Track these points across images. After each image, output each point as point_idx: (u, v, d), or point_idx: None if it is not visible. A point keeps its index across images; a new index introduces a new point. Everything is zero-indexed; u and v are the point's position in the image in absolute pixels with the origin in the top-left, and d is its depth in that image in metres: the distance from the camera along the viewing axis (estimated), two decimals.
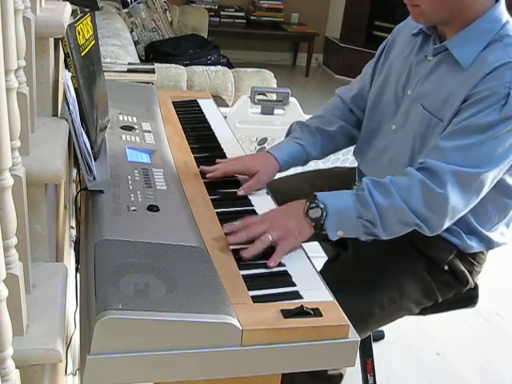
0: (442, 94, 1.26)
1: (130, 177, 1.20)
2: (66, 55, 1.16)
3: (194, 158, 1.41)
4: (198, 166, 1.36)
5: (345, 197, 1.19)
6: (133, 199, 1.12)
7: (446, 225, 1.21)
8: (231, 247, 1.06)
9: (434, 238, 1.29)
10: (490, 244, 1.37)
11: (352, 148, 1.59)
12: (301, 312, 0.90)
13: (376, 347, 1.75)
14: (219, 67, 3.18)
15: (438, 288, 1.37)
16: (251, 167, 1.34)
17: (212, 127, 1.66)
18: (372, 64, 1.53)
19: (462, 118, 1.19)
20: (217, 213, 1.17)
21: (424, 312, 1.44)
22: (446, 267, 1.36)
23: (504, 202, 1.32)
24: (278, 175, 1.49)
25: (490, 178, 1.20)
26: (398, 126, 1.37)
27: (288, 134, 1.53)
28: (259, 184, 1.33)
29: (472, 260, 1.39)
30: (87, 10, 1.38)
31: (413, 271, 1.35)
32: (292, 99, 2.32)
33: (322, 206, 1.16)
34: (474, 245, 1.34)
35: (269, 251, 1.08)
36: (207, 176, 1.31)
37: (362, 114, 1.53)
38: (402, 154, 1.34)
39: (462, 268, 1.38)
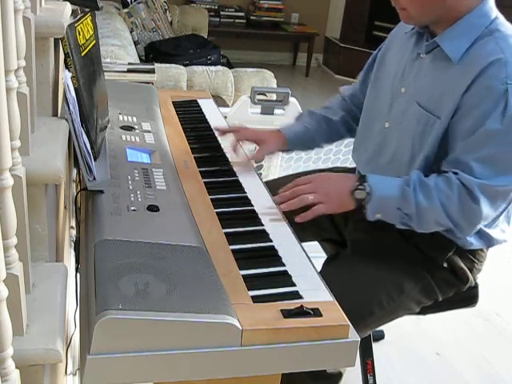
0: (437, 91, 1.27)
1: (129, 177, 1.20)
2: (66, 55, 1.16)
3: (194, 158, 1.42)
4: (198, 166, 1.37)
5: (392, 186, 1.26)
6: (133, 199, 1.12)
7: (476, 230, 1.28)
8: (231, 247, 1.07)
9: (433, 236, 1.30)
10: (490, 241, 1.37)
11: (352, 148, 1.61)
12: (301, 312, 0.90)
13: (376, 347, 1.75)
14: (219, 67, 3.18)
15: (438, 286, 1.37)
16: (260, 136, 1.53)
17: (212, 127, 1.66)
18: (365, 68, 1.59)
19: (470, 123, 1.21)
20: (217, 213, 1.17)
21: (424, 311, 1.44)
22: (446, 264, 1.36)
23: None
24: (278, 175, 1.51)
25: None
26: (392, 124, 1.38)
27: (297, 120, 1.65)
28: (266, 151, 1.51)
29: (472, 257, 1.39)
30: (87, 9, 1.38)
31: (412, 269, 1.35)
32: (292, 99, 2.32)
33: (369, 191, 1.24)
34: (473, 241, 1.34)
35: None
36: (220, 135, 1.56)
37: (357, 110, 1.59)
38: (402, 153, 1.34)
39: (462, 265, 1.38)
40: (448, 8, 1.23)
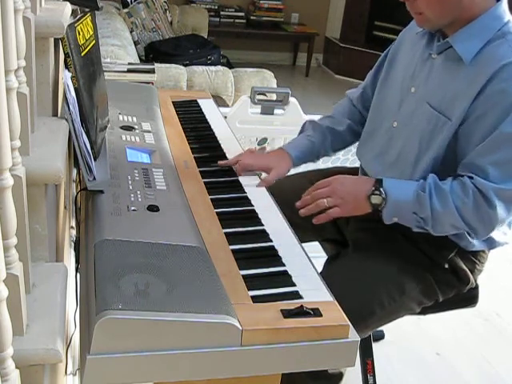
0: (448, 92, 1.27)
1: (129, 177, 1.20)
2: (66, 55, 1.16)
3: (194, 158, 1.42)
4: (198, 166, 1.37)
5: (408, 191, 1.26)
6: (133, 199, 1.12)
7: (492, 233, 1.29)
8: (231, 247, 1.07)
9: (436, 237, 1.30)
10: (492, 243, 1.37)
11: (352, 148, 1.61)
12: (301, 312, 0.90)
13: (376, 347, 1.75)
14: (219, 67, 3.18)
15: (439, 287, 1.37)
16: (267, 165, 1.46)
17: (212, 127, 1.66)
18: (375, 67, 1.57)
19: (485, 127, 1.21)
20: (217, 213, 1.17)
21: (424, 311, 1.44)
22: (447, 265, 1.36)
23: None
24: None
25: None
26: (401, 123, 1.38)
27: (301, 132, 1.62)
28: (275, 177, 1.45)
29: (473, 258, 1.39)
30: (87, 9, 1.38)
31: (413, 270, 1.35)
32: (292, 99, 2.32)
33: (384, 196, 1.26)
34: (475, 243, 1.34)
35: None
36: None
37: (366, 113, 1.57)
38: (408, 153, 1.34)
39: (464, 266, 1.38)
40: (462, 9, 1.23)
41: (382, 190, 1.26)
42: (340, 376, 1.36)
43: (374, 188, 1.27)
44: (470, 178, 1.23)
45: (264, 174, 1.46)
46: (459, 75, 1.25)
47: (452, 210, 1.22)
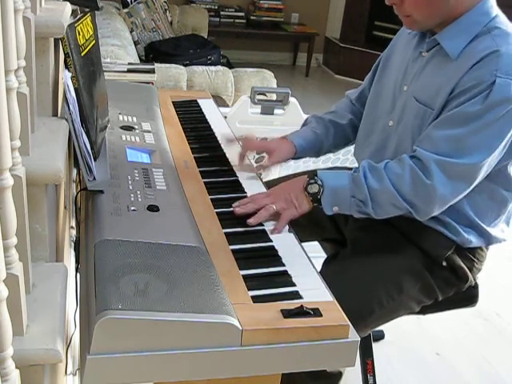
0: (433, 86, 1.28)
1: (129, 177, 1.20)
2: (66, 55, 1.16)
3: (194, 158, 1.42)
4: (198, 166, 1.37)
5: (342, 176, 1.28)
6: (133, 199, 1.12)
7: (436, 211, 1.26)
8: (231, 247, 1.07)
9: (433, 235, 1.30)
10: (489, 239, 1.37)
11: (352, 148, 1.61)
12: (301, 312, 0.90)
13: (376, 347, 1.75)
14: (219, 67, 3.18)
15: (438, 285, 1.37)
16: (269, 145, 1.51)
17: (212, 127, 1.66)
18: (373, 69, 1.58)
19: (452, 106, 1.23)
20: (217, 213, 1.18)
21: (424, 311, 1.44)
22: (445, 263, 1.36)
23: (501, 193, 1.33)
24: (278, 175, 1.51)
25: (484, 168, 1.23)
26: (396, 121, 1.39)
27: (303, 126, 1.62)
28: (276, 160, 1.50)
29: (471, 256, 1.39)
30: (87, 9, 1.38)
31: (411, 268, 1.35)
32: (292, 99, 2.32)
33: (320, 183, 1.26)
34: (472, 239, 1.34)
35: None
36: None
37: None
38: (404, 149, 1.35)
39: (462, 264, 1.38)
40: (450, 8, 1.24)
41: (316, 178, 1.27)
42: (339, 375, 1.36)
43: (308, 178, 1.28)
44: (413, 151, 1.24)
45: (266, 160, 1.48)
46: (444, 70, 1.27)
47: (388, 186, 1.23)
